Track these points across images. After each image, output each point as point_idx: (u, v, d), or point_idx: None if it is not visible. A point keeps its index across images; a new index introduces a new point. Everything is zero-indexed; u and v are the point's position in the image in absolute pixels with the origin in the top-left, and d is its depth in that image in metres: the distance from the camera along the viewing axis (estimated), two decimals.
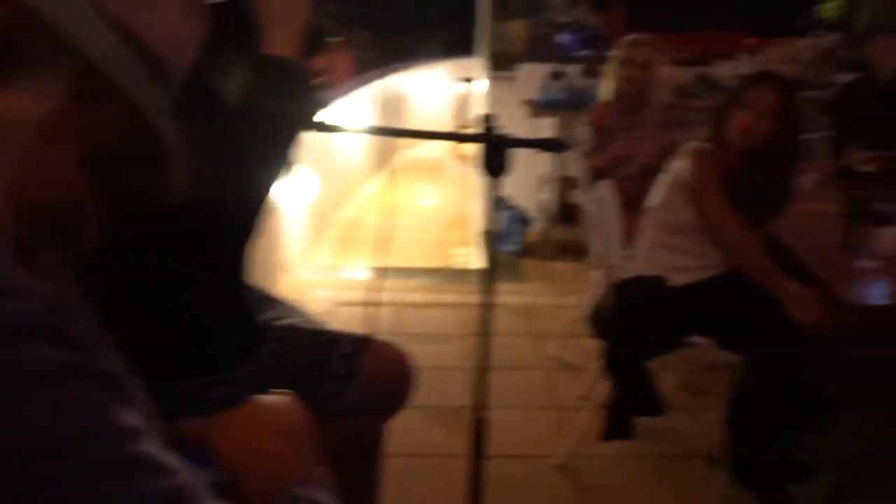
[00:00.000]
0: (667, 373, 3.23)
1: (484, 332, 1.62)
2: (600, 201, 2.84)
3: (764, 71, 2.55)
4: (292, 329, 1.68)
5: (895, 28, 4.19)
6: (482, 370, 1.67)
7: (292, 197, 4.14)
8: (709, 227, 2.48)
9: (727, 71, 4.57)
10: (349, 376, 1.61)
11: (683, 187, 2.50)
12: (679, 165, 2.52)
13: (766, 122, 2.44)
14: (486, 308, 1.60)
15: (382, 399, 1.71)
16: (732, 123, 2.48)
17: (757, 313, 2.38)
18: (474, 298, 4.03)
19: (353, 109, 5.51)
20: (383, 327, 3.65)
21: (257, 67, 1.31)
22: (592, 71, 4.28)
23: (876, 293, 2.31)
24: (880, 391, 2.54)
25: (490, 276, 1.61)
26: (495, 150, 1.53)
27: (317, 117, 1.48)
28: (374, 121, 6.46)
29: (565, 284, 4.20)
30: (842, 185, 3.16)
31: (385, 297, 3.83)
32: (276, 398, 1.00)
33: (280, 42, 1.34)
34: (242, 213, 1.34)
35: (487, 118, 1.52)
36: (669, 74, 4.46)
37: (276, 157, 1.35)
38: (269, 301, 1.82)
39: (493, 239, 1.69)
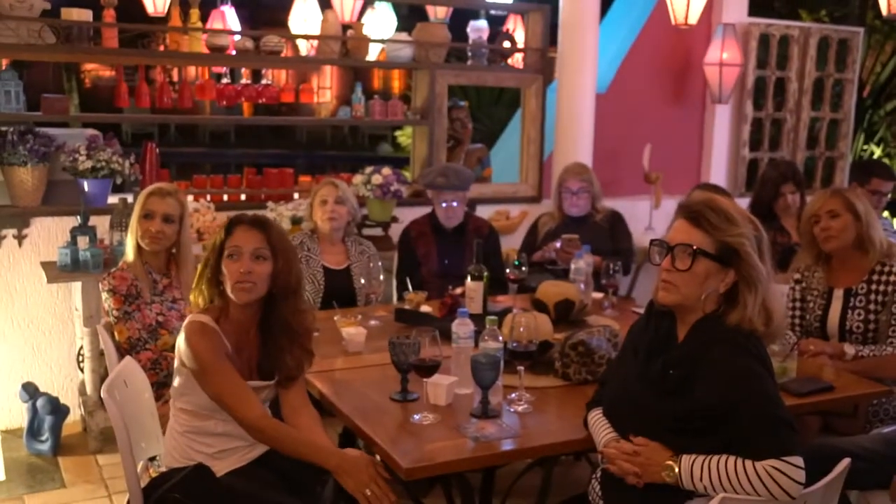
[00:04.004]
0: None
1: None
2: (124, 382, 2.79)
3: (236, 215, 2.71)
4: None
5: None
6: None
7: None
8: (223, 409, 2.57)
9: (284, 212, 4.85)
10: None
11: (188, 368, 2.58)
12: (179, 343, 2.59)
13: (259, 265, 2.60)
14: None
15: None
16: (226, 277, 2.61)
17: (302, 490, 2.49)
18: None
19: None
20: None
21: None
22: (123, 224, 4.27)
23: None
24: None
25: None
26: None
27: None
28: None
29: (115, 482, 4.04)
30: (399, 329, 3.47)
31: None
32: None
33: None
34: None
35: None
36: (219, 221, 4.62)
37: None
38: None
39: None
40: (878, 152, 8.75)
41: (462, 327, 2.84)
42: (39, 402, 4.44)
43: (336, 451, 2.58)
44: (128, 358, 2.98)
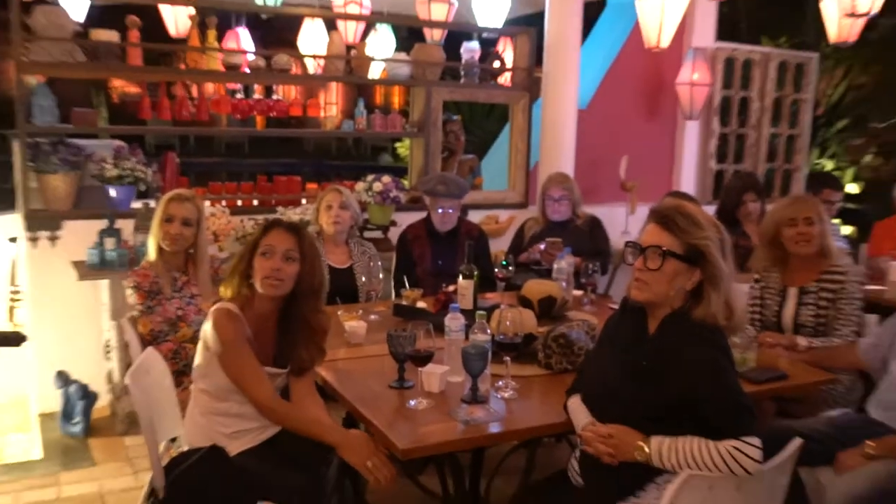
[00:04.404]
0: None
1: None
2: (146, 371, 2.79)
3: (274, 219, 2.74)
4: None
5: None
6: None
7: None
8: (240, 389, 2.57)
9: (293, 216, 4.84)
10: None
11: (212, 350, 2.59)
12: (206, 328, 2.59)
13: (288, 265, 2.63)
14: None
15: None
16: (257, 272, 2.63)
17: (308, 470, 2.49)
18: (34, 496, 3.66)
19: None
20: None
21: None
22: (146, 226, 4.27)
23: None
24: None
25: None
26: None
27: None
28: None
29: (139, 461, 4.04)
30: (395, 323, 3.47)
31: None
32: None
33: None
34: None
35: None
36: (233, 224, 4.63)
37: None
38: None
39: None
40: (830, 166, 8.79)
41: (454, 321, 2.84)
42: (72, 389, 4.45)
43: (340, 428, 2.61)
44: (150, 348, 2.98)
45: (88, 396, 4.46)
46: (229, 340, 2.57)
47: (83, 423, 4.39)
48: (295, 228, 2.71)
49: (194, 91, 5.68)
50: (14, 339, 1.77)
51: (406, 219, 4.89)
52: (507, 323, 2.75)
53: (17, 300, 6.84)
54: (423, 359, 2.66)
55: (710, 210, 5.06)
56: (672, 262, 2.28)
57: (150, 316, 3.40)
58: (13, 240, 6.78)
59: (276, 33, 10.10)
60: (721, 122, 6.98)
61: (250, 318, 2.66)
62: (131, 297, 3.44)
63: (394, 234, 4.97)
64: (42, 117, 4.67)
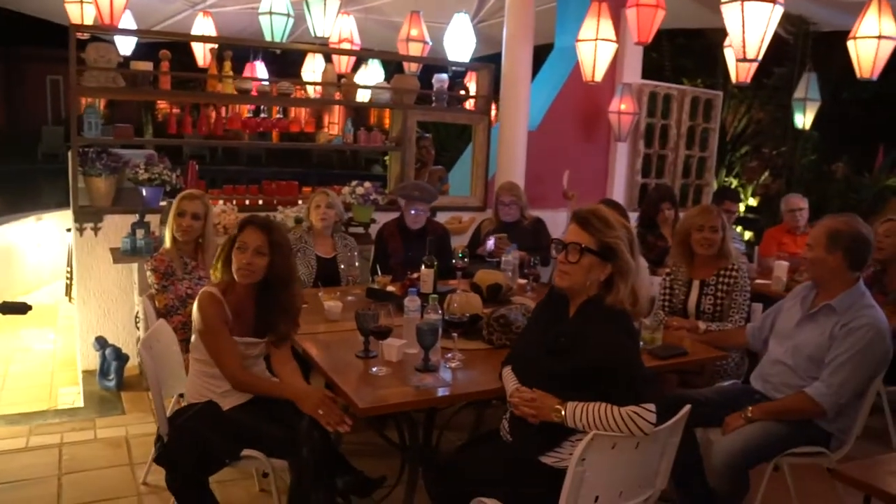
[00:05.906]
0: (245, 481, 3.15)
1: None
2: (157, 339, 2.70)
3: (248, 217, 2.63)
4: None
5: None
6: None
7: None
8: (213, 360, 2.50)
9: (290, 213, 4.75)
10: None
11: (195, 328, 2.52)
12: (194, 308, 2.51)
13: (259, 258, 2.53)
14: None
15: None
16: (233, 263, 2.54)
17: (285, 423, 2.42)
18: (75, 437, 3.61)
19: None
20: None
21: None
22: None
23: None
24: None
25: None
26: None
27: None
28: None
29: None
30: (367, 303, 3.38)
31: None
32: None
33: None
34: None
35: None
36: (238, 219, 4.52)
37: None
38: None
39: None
40: (734, 182, 8.79)
41: (412, 302, 2.78)
42: (108, 351, 4.39)
43: (295, 385, 2.55)
44: (161, 321, 2.89)
45: (121, 358, 4.38)
46: (208, 321, 2.49)
47: (116, 380, 4.32)
48: (266, 225, 2.57)
49: (222, 112, 5.56)
50: (21, 309, 1.68)
51: (384, 217, 4.80)
52: (455, 305, 2.67)
53: (72, 278, 6.74)
54: (383, 333, 2.59)
55: (635, 216, 5.02)
56: (588, 256, 2.21)
57: (165, 294, 3.31)
58: (69, 230, 6.68)
59: (289, 66, 9.98)
60: (645, 145, 6.92)
61: (232, 299, 2.56)
62: (150, 277, 3.35)
63: (373, 230, 4.88)
64: (90, 132, 4.58)
